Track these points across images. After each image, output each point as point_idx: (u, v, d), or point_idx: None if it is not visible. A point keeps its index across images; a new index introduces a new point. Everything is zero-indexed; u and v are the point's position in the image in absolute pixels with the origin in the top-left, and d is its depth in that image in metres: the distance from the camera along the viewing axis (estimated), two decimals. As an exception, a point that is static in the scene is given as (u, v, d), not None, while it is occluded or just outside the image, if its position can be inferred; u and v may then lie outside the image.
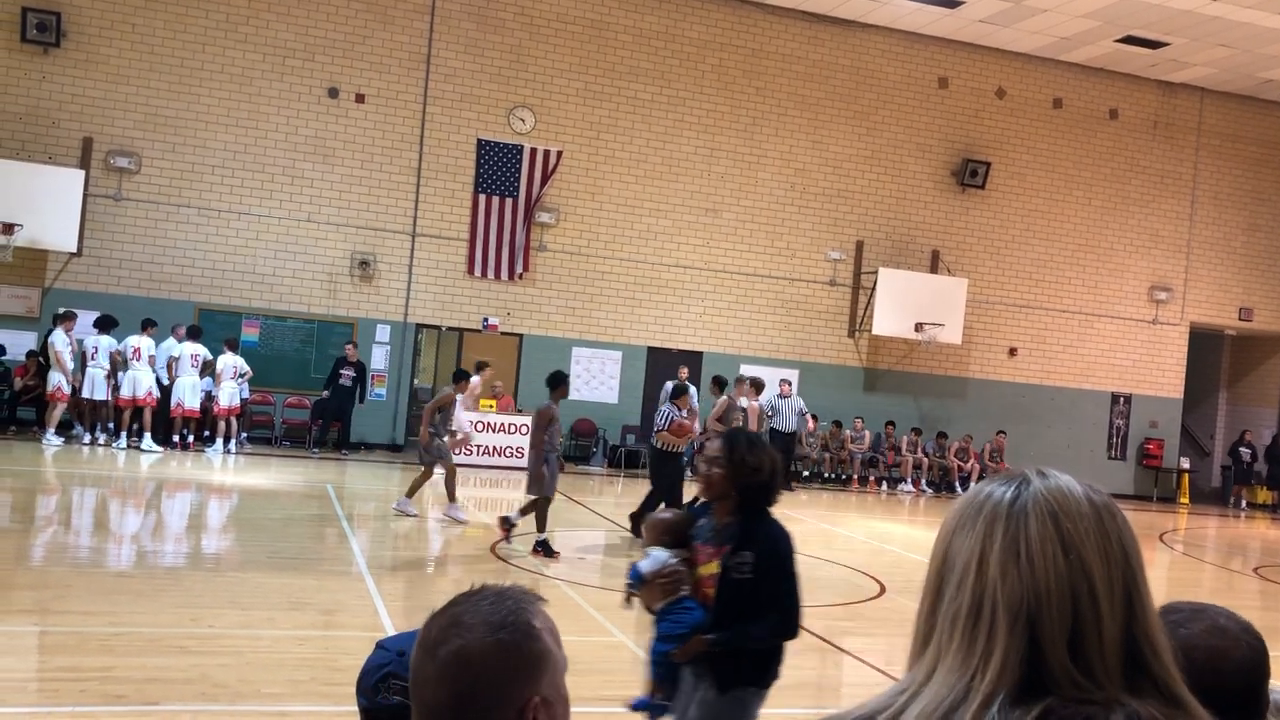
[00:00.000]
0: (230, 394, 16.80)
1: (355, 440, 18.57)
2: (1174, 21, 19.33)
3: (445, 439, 12.68)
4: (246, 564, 9.67)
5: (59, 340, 15.91)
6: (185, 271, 18.15)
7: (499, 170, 19.44)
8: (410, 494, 12.57)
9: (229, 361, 16.84)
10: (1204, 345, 24.43)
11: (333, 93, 18.73)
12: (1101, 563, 1.10)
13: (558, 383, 10.98)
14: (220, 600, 8.06)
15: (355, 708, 1.96)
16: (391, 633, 7.35)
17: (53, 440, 15.68)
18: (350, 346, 18.01)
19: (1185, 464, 23.29)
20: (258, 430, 18.34)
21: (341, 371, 17.77)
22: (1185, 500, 22.85)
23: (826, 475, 20.55)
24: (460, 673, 1.38)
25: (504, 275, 19.44)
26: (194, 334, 16.90)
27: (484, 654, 1.38)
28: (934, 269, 21.46)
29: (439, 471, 12.63)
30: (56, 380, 15.85)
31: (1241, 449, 23.27)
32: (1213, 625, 1.81)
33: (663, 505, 10.80)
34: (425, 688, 1.40)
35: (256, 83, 18.41)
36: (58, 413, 15.92)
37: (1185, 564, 15.00)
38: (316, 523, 12.05)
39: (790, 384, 19.59)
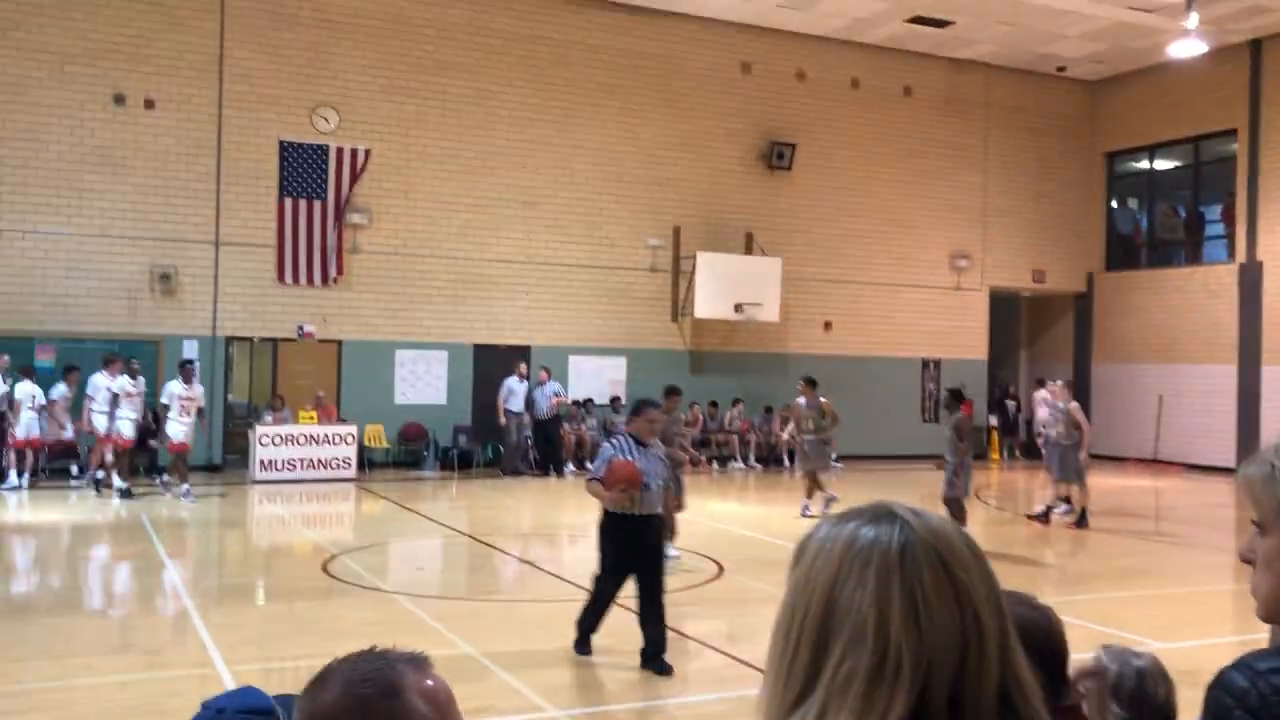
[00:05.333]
0: (29, 424, 15.84)
1: (165, 463, 17.61)
2: (958, 1, 20.26)
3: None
4: (58, 608, 9.07)
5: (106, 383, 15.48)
6: (-34, 297, 16.88)
7: (304, 172, 18.79)
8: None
9: (27, 390, 15.85)
10: (1003, 307, 25.80)
11: (119, 99, 17.70)
12: (989, 611, 1.09)
13: None
14: (30, 651, 7.53)
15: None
16: (221, 667, 7.02)
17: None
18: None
19: (993, 421, 24.58)
20: (58, 461, 17.19)
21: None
22: (996, 457, 24.11)
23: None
24: None
25: (316, 280, 18.84)
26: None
27: (335, 708, 1.38)
28: (749, 250, 21.93)
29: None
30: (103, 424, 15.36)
31: (1007, 402, 24.84)
32: (1016, 604, 2.00)
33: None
34: None
35: (33, 91, 17.23)
36: (107, 456, 15.44)
37: (1000, 518, 15.81)
38: (132, 556, 11.40)
39: (548, 371, 19.51)
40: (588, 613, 7.47)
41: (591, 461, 20.33)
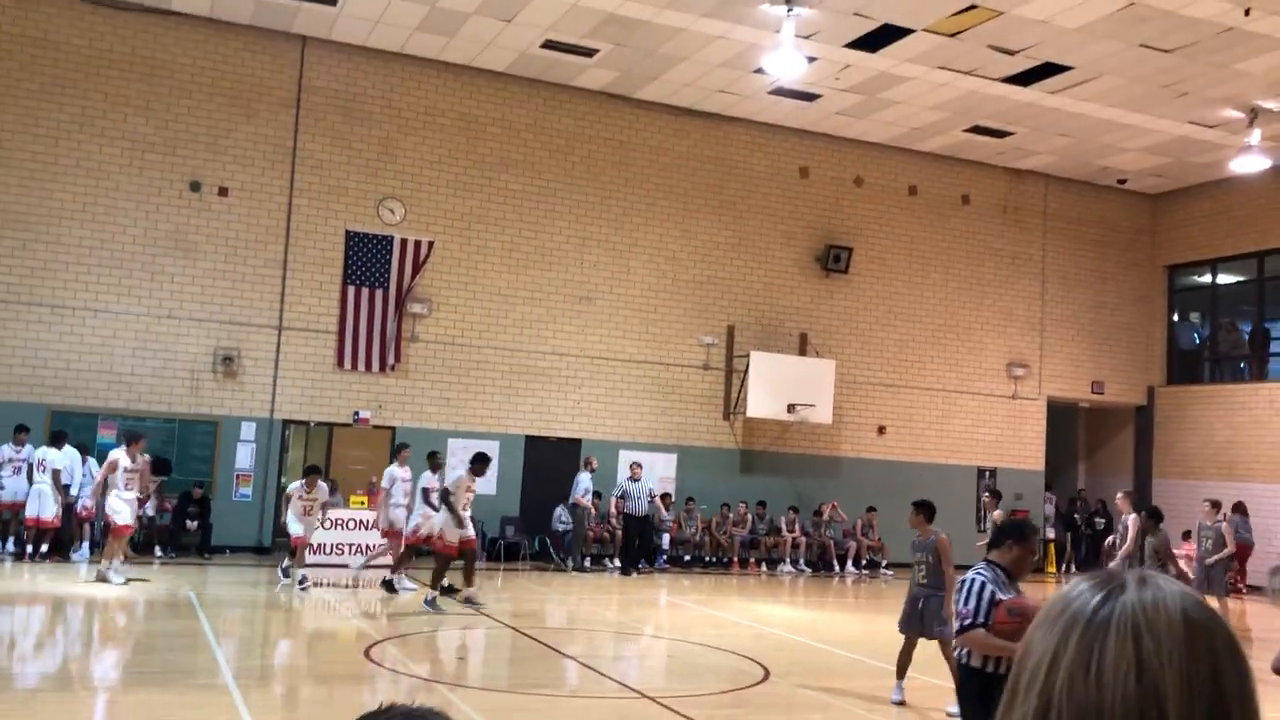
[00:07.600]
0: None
1: (219, 543, 17.82)
2: (1017, 112, 20.44)
3: None
4: (102, 683, 9.09)
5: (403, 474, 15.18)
6: (37, 372, 17.34)
7: (369, 261, 19.22)
8: None
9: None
10: (1061, 418, 25.41)
11: (194, 186, 18.32)
12: (1182, 689, 1.04)
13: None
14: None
15: None
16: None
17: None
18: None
19: (1051, 534, 24.02)
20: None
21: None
22: (1052, 569, 23.52)
23: (708, 559, 20.55)
24: None
25: (375, 367, 19.11)
26: (57, 440, 16.13)
27: None
28: (803, 351, 21.93)
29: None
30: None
31: (1096, 519, 24.15)
32: None
33: None
34: None
35: (114, 177, 17.90)
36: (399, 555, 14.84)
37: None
38: (177, 633, 11.43)
39: (640, 467, 19.53)
40: None
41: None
